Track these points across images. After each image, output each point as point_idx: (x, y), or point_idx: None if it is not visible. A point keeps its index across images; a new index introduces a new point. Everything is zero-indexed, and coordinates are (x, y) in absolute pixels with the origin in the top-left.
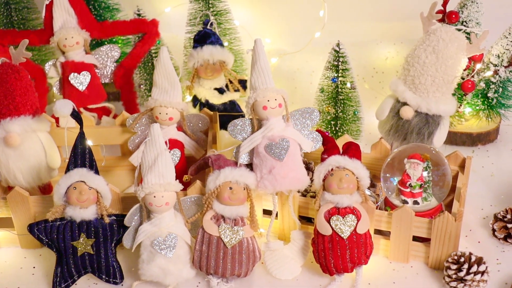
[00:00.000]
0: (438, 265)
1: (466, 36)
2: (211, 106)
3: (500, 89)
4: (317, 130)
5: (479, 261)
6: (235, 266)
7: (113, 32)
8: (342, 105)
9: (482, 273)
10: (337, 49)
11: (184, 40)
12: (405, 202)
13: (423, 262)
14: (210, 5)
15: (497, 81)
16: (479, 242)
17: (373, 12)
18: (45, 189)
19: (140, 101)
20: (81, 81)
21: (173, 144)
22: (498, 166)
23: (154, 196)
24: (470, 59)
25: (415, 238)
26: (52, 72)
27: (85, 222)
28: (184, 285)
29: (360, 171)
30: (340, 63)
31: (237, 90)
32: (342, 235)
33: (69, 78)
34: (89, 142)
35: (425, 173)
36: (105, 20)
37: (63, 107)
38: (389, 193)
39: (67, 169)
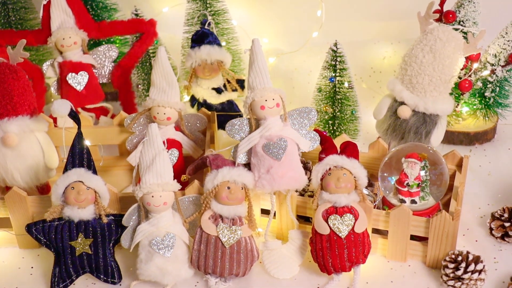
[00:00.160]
0: (435, 264)
1: (463, 36)
2: (209, 106)
3: (497, 89)
4: (315, 130)
5: (477, 260)
6: (233, 266)
7: (111, 32)
8: (339, 105)
9: (480, 271)
10: (335, 48)
11: (182, 40)
12: (402, 201)
13: (420, 261)
14: (207, 5)
15: (494, 80)
16: (476, 241)
17: (370, 12)
18: (43, 189)
19: (138, 101)
20: (79, 81)
21: (171, 144)
22: (495, 165)
23: (152, 196)
24: (467, 58)
25: (413, 237)
26: (50, 72)
27: (83, 222)
28: (182, 285)
29: (358, 171)
30: (337, 63)
31: (235, 90)
32: (340, 234)
33: (67, 78)
34: (87, 142)
35: (422, 172)
36: (103, 20)
37: (61, 107)
38: (387, 192)
39: (65, 169)
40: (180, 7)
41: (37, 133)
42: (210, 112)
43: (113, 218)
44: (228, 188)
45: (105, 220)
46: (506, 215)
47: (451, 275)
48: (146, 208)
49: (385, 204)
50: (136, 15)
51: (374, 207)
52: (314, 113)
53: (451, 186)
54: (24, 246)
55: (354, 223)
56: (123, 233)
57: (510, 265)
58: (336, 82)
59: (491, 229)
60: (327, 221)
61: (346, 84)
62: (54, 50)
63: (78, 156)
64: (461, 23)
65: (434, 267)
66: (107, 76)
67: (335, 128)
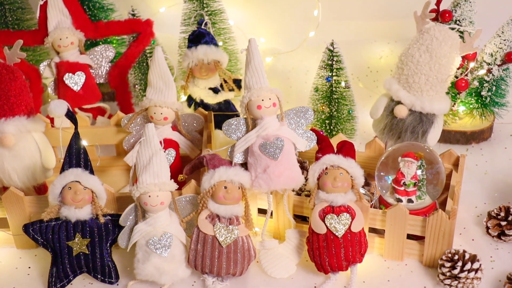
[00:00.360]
0: (432, 263)
1: (459, 35)
2: (206, 106)
3: (494, 88)
4: (312, 129)
5: (473, 259)
6: (230, 265)
7: (108, 32)
8: (336, 104)
9: (476, 270)
10: (331, 48)
11: (178, 40)
12: (399, 200)
13: (417, 260)
14: (204, 5)
15: (491, 79)
16: (473, 239)
17: (367, 11)
18: (40, 190)
19: (135, 101)
20: (75, 81)
21: (168, 143)
22: (491, 164)
23: (149, 196)
24: (464, 57)
25: (409, 236)
26: (46, 73)
27: (80, 222)
28: (179, 284)
29: (354, 170)
30: (334, 62)
31: (231, 90)
32: (336, 234)
33: (64, 79)
34: (84, 142)
35: (419, 172)
36: (100, 20)
37: (58, 107)
38: (384, 191)
39: (62, 169)
40: (177, 7)
41: (34, 133)
42: (207, 112)
43: (110, 218)
44: (225, 187)
45: (102, 220)
46: (502, 214)
47: (448, 274)
48: (143, 208)
49: (382, 203)
50: (133, 15)
51: (371, 206)
52: (310, 112)
53: (448, 185)
54: (21, 246)
55: (351, 223)
56: (120, 233)
57: (506, 264)
58: (333, 82)
59: (487, 228)
60: (323, 221)
61: (343, 84)
62: (51, 50)
63: (75, 156)
64: (458, 22)
65: (431, 266)
66: (104, 76)
67: (332, 127)
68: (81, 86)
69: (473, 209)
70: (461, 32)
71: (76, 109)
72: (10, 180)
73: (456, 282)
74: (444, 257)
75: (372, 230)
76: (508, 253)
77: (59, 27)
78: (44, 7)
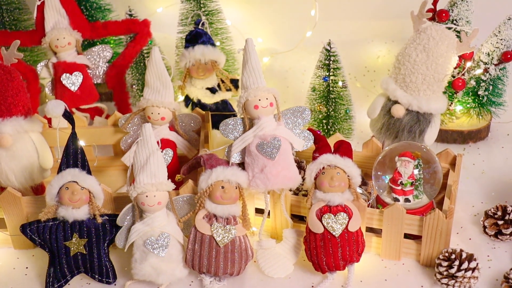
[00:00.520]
0: (429, 262)
1: (456, 35)
2: (203, 106)
3: (490, 87)
4: (309, 129)
5: (470, 258)
6: (227, 265)
7: (105, 32)
8: (333, 104)
9: (473, 269)
10: (328, 48)
11: (176, 40)
12: (396, 199)
13: (414, 260)
14: (201, 5)
15: (487, 79)
16: (470, 239)
17: (364, 11)
18: (38, 190)
19: (133, 101)
20: (73, 81)
21: (165, 143)
22: (489, 163)
23: (147, 196)
24: (461, 57)
25: (407, 236)
26: (44, 73)
27: (77, 222)
28: (177, 284)
29: (352, 170)
30: (331, 62)
31: (229, 90)
32: (333, 233)
33: (61, 79)
34: (82, 143)
35: (416, 171)
36: (97, 20)
37: (55, 107)
38: (381, 191)
39: (59, 170)
40: (174, 7)
41: (32, 133)
42: (204, 112)
43: (107, 218)
44: (222, 187)
45: (99, 220)
46: (499, 213)
47: (445, 273)
48: (140, 208)
49: (379, 203)
50: (130, 15)
51: (368, 206)
52: (307, 112)
53: (445, 185)
54: (18, 246)
55: (348, 222)
56: (117, 233)
57: (503, 263)
58: (330, 81)
59: (484, 227)
60: (321, 220)
61: (340, 83)
62: (48, 50)
63: (72, 157)
64: (454, 22)
65: (428, 265)
66: (101, 76)
67: (329, 127)
68: (79, 86)
69: (470, 208)
70: (458, 32)
71: (74, 110)
72: (7, 180)
73: (453, 281)
74: (441, 256)
75: (369, 229)
76: (505, 252)
77: (56, 27)
78: (41, 8)
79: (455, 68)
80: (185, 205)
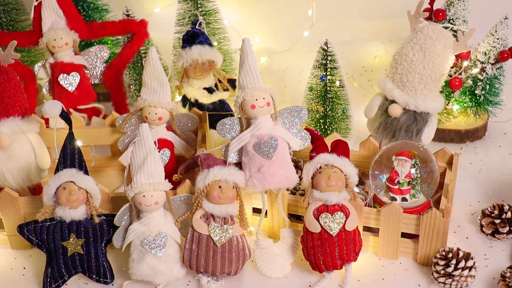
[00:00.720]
0: (426, 261)
1: (453, 34)
2: (200, 106)
3: (487, 86)
4: (306, 129)
5: (467, 257)
6: (225, 265)
7: (102, 32)
8: (331, 104)
9: (470, 268)
10: (325, 47)
11: (173, 40)
12: (393, 199)
13: (411, 258)
14: (198, 5)
15: (484, 78)
16: (467, 238)
17: (361, 11)
18: (35, 190)
19: (130, 101)
20: (70, 82)
21: (162, 143)
22: (486, 162)
23: (144, 196)
24: (457, 56)
25: (404, 235)
26: (41, 73)
27: (75, 222)
28: (174, 284)
29: (349, 169)
30: (328, 62)
31: (226, 90)
32: (331, 232)
33: (59, 79)
34: (79, 143)
35: (413, 170)
36: (94, 20)
37: (52, 108)
38: (378, 190)
39: (57, 170)
40: (171, 7)
41: (29, 134)
42: (201, 112)
43: (104, 218)
44: (220, 187)
45: (96, 220)
46: (496, 212)
47: (442, 272)
48: (137, 208)
49: (376, 202)
50: (128, 15)
51: (365, 205)
52: (304, 111)
53: (442, 184)
54: (16, 246)
55: (345, 221)
56: (115, 233)
57: (500, 262)
58: (327, 81)
59: (481, 226)
60: (318, 219)
61: (337, 83)
62: (45, 51)
63: (70, 157)
64: (451, 21)
65: (425, 264)
66: (98, 76)
67: (326, 126)
68: (76, 86)
69: (467, 207)
70: (455, 31)
71: (71, 110)
72: (4, 180)
73: (450, 280)
74: (438, 255)
75: (367, 228)
76: (502, 251)
77: (53, 28)
78: (38, 8)
79: (452, 67)
80: (182, 205)
